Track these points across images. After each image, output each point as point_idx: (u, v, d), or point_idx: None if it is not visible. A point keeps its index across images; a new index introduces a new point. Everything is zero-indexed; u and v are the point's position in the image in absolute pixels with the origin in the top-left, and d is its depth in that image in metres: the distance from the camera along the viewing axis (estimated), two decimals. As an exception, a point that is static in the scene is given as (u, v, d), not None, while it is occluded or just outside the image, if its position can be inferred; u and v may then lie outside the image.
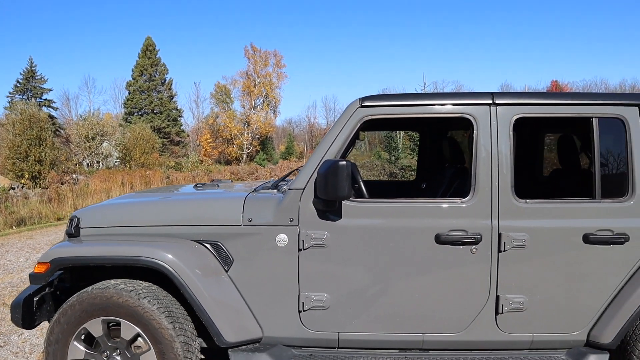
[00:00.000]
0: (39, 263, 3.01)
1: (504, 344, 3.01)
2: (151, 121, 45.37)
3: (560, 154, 3.99)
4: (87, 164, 35.26)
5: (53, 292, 3.20)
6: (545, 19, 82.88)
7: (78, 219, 3.20)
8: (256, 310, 2.99)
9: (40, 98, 45.92)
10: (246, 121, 50.86)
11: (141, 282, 2.99)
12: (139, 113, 47.94)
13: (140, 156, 32.35)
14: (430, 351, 3.03)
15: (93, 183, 18.84)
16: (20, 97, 45.29)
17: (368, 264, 2.93)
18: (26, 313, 3.00)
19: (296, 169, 3.29)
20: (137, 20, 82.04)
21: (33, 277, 3.05)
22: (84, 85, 71.86)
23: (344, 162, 2.70)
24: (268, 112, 52.22)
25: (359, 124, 2.99)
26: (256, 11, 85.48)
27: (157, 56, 48.75)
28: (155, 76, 48.42)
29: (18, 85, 46.46)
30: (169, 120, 48.66)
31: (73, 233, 3.17)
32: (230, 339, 2.91)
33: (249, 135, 50.67)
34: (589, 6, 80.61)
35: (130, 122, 42.71)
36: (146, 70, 47.96)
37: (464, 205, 2.92)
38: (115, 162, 35.73)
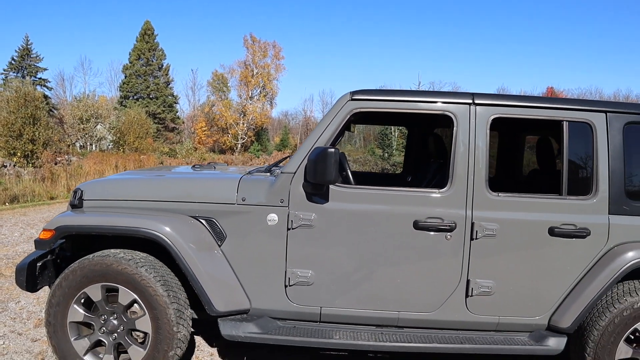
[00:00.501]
0: (44, 230, 3.23)
1: (472, 325, 3.27)
2: (146, 106, 45.33)
3: (537, 155, 4.25)
4: (80, 146, 35.24)
5: (54, 260, 3.41)
6: (544, 26, 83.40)
7: (82, 191, 3.42)
8: (245, 283, 3.22)
9: (35, 77, 45.74)
10: (242, 111, 50.90)
11: (139, 252, 3.22)
12: (135, 97, 47.89)
13: (134, 140, 32.34)
14: (404, 328, 3.28)
15: (87, 164, 18.93)
16: (15, 74, 45.08)
17: (350, 245, 3.17)
18: (29, 276, 3.22)
19: (288, 156, 3.51)
20: (136, 3, 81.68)
21: (38, 242, 3.26)
22: (80, 66, 71.67)
23: (332, 149, 2.94)
24: (265, 103, 52.30)
25: (348, 116, 3.23)
26: (257, 1, 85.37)
27: (155, 41, 48.67)
28: (152, 61, 48.36)
29: (13, 62, 46.24)
30: (164, 106, 48.66)
31: (77, 204, 3.39)
32: (220, 308, 3.14)
33: (245, 125, 50.74)
34: (587, 16, 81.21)
35: (125, 106, 42.66)
36: (144, 54, 47.89)
37: (441, 195, 3.17)
38: (109, 145, 35.73)
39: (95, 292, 3.12)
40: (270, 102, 53.46)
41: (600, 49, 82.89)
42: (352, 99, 3.23)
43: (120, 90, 49.13)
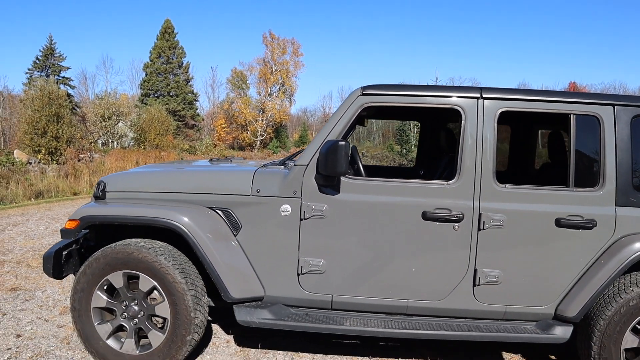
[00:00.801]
0: (69, 220, 3.40)
1: (480, 313, 3.35)
2: (167, 103, 45.91)
3: (549, 149, 4.30)
4: (102, 143, 35.87)
5: (79, 249, 3.58)
6: (566, 21, 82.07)
7: (104, 183, 3.59)
8: (259, 271, 3.35)
9: (59, 76, 46.53)
10: (261, 108, 51.19)
11: (159, 241, 3.37)
12: (155, 95, 48.50)
13: (155, 137, 32.83)
14: (413, 316, 3.38)
15: (108, 161, 19.30)
16: (39, 74, 45.95)
17: (361, 235, 3.28)
18: (56, 264, 3.39)
19: (302, 150, 3.64)
20: (157, 2, 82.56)
21: (64, 232, 3.43)
22: (102, 65, 72.79)
23: (343, 142, 3.05)
24: (283, 100, 52.49)
25: (359, 110, 3.33)
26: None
27: (175, 39, 49.19)
28: (172, 59, 48.89)
29: (37, 62, 47.11)
30: (184, 104, 49.18)
31: (100, 196, 3.56)
32: (235, 295, 3.28)
33: (264, 122, 51.03)
34: (611, 10, 79.64)
35: (146, 104, 43.26)
36: (164, 52, 48.43)
37: (449, 187, 3.26)
38: (130, 142, 36.30)
39: (117, 279, 3.28)
40: (289, 98, 53.66)
41: (624, 43, 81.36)
42: (363, 94, 3.33)
43: (141, 88, 49.77)
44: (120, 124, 36.44)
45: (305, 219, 3.28)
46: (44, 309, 4.51)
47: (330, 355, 3.80)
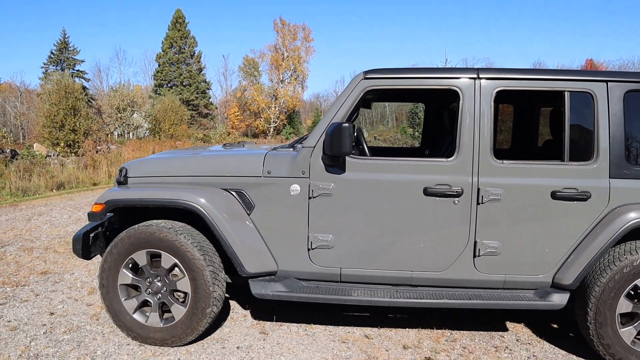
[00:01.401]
0: (95, 203, 3.66)
1: (481, 283, 3.55)
2: (180, 93, 46.29)
3: (550, 126, 4.44)
4: (118, 135, 36.37)
5: (104, 232, 3.84)
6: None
7: (126, 169, 3.83)
8: (272, 247, 3.58)
9: (73, 69, 47.13)
10: (274, 95, 51.39)
11: (178, 222, 3.61)
12: (169, 85, 48.90)
13: (170, 127, 33.23)
14: (417, 287, 3.59)
15: (125, 152, 19.70)
16: (54, 68, 46.61)
17: (366, 211, 3.49)
18: (84, 246, 3.65)
19: (309, 133, 3.84)
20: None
21: (91, 215, 3.69)
22: (115, 57, 73.16)
23: (347, 124, 3.24)
24: (296, 86, 52.64)
25: (362, 94, 3.51)
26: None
27: (186, 29, 49.43)
28: (184, 49, 49.18)
29: (52, 56, 47.75)
30: (197, 93, 49.54)
31: (122, 181, 3.80)
32: (250, 270, 3.51)
33: (277, 109, 51.24)
34: (627, -19, 77.93)
35: (159, 94, 43.66)
36: (176, 42, 48.73)
37: (449, 163, 3.44)
38: (145, 132, 36.76)
39: (141, 257, 3.54)
40: (302, 84, 53.77)
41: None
42: (365, 78, 3.52)
43: (154, 78, 50.22)
44: (135, 115, 36.89)
45: (313, 198, 3.49)
46: (73, 290, 4.80)
47: (341, 327, 4.03)
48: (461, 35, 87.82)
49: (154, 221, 3.58)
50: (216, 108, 54.60)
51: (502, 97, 3.93)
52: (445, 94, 4.02)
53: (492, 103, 3.45)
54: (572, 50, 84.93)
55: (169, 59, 48.62)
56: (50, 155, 20.39)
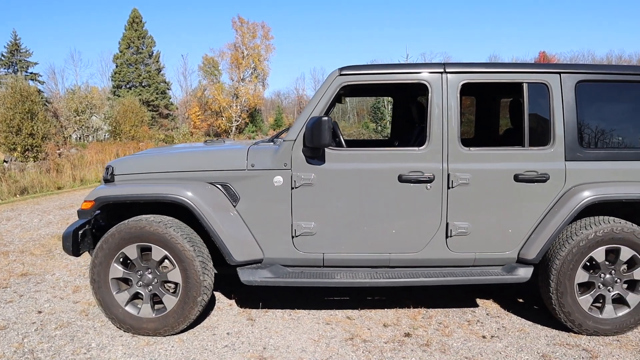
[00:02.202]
0: (85, 201, 3.77)
1: (453, 261, 3.84)
2: (139, 94, 45.51)
3: (510, 115, 4.77)
4: (76, 138, 35.52)
5: (91, 229, 3.96)
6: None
7: (113, 167, 3.96)
8: (258, 236, 3.78)
9: (26, 72, 45.76)
10: (235, 93, 51.12)
11: (166, 216, 3.77)
12: (127, 86, 48.00)
13: (130, 129, 32.71)
14: (395, 268, 3.85)
15: (88, 154, 19.39)
16: (6, 71, 45.12)
17: (346, 198, 3.72)
18: (74, 243, 3.76)
19: (287, 128, 4.04)
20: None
21: (81, 212, 3.80)
22: (70, 59, 71.32)
23: (326, 118, 3.47)
24: (257, 85, 52.45)
25: (338, 89, 3.74)
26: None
27: (143, 28, 48.57)
28: (142, 49, 48.34)
29: (2, 58, 46.20)
30: (157, 93, 48.79)
31: (109, 179, 3.93)
32: (238, 258, 3.70)
33: (238, 107, 50.99)
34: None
35: (118, 96, 42.87)
36: (133, 43, 47.84)
37: (421, 152, 3.71)
38: (105, 135, 36.03)
39: (131, 251, 3.67)
40: (262, 82, 53.63)
41: (592, 11, 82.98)
42: (341, 74, 3.75)
43: (112, 80, 49.16)
44: (93, 118, 36.11)
45: (295, 188, 3.70)
46: (56, 289, 4.87)
47: (323, 310, 4.26)
48: (419, 31, 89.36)
49: (143, 216, 3.72)
50: (177, 108, 53.89)
51: (465, 90, 4.22)
52: (413, 87, 4.29)
53: (458, 95, 3.73)
54: (525, 44, 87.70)
55: (127, 60, 47.71)
56: (7, 162, 19.88)
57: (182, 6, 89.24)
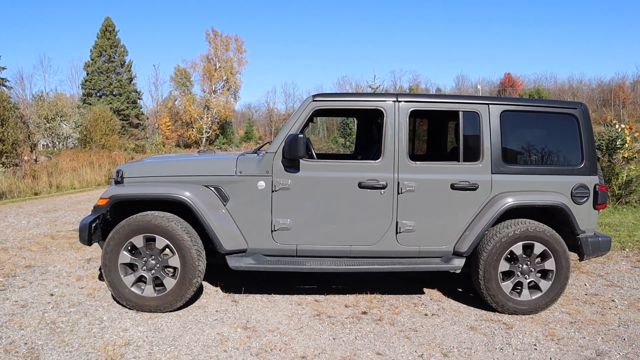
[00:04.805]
0: (101, 198, 4.53)
1: (402, 253, 4.73)
2: (110, 103, 45.61)
3: (454, 136, 5.74)
4: (43, 145, 35.35)
5: (100, 223, 4.70)
6: (502, 15, 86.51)
7: (122, 171, 4.73)
8: (243, 230, 4.60)
9: (-6, 77, 45.25)
10: (206, 105, 51.66)
11: (168, 212, 4.56)
12: (98, 94, 48.03)
13: (101, 138, 32.91)
14: (355, 258, 4.72)
15: (63, 161, 19.75)
16: (-28, 75, 44.48)
17: (316, 200, 4.59)
18: (88, 233, 4.50)
19: (268, 142, 4.90)
20: (95, 0, 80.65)
21: (96, 207, 4.56)
22: (39, 64, 70.51)
23: (301, 135, 4.35)
24: (228, 97, 53.14)
25: (311, 112, 4.63)
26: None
27: (116, 37, 48.83)
28: (114, 57, 48.53)
29: (-30, 63, 45.62)
30: (128, 103, 48.96)
31: (119, 181, 4.70)
32: (227, 248, 4.51)
33: (209, 119, 51.53)
34: (543, 5, 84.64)
35: (88, 104, 42.88)
36: (105, 51, 48.02)
37: (377, 164, 4.61)
38: (75, 143, 36.01)
39: (138, 241, 4.44)
40: (234, 95, 54.39)
41: (556, 37, 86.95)
42: (314, 100, 4.64)
43: (82, 87, 49.08)
44: (63, 125, 36.06)
45: (275, 191, 4.55)
46: (61, 278, 5.57)
47: (295, 295, 5.10)
48: (389, 49, 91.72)
49: (149, 212, 4.50)
50: (147, 118, 54.08)
51: (419, 114, 5.11)
52: (373, 112, 5.21)
53: (407, 119, 4.66)
54: (492, 65, 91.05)
55: (98, 68, 47.82)
56: (-24, 167, 19.99)
57: (155, 16, 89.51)
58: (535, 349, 3.97)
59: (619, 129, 11.34)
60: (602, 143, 11.54)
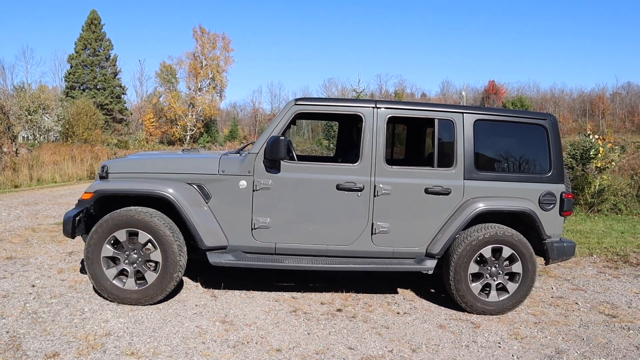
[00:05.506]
0: (85, 192, 4.65)
1: (377, 254, 4.91)
2: (94, 97, 45.27)
3: (431, 142, 5.95)
4: (23, 138, 34.92)
5: (83, 217, 4.81)
6: (487, 24, 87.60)
7: (107, 166, 4.85)
8: (224, 227, 4.74)
9: (-26, 67, 44.67)
10: (191, 103, 51.48)
11: (151, 208, 4.69)
12: (81, 88, 47.62)
13: (83, 132, 32.67)
14: (331, 257, 4.90)
15: (45, 155, 19.63)
16: (-47, 64, 43.84)
17: (295, 201, 4.75)
18: (72, 226, 4.61)
19: (251, 142, 5.06)
20: (79, -8, 79.77)
21: (81, 201, 4.68)
22: (21, 55, 69.55)
23: (283, 137, 4.51)
24: (213, 95, 53.04)
25: (293, 116, 4.79)
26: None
27: (102, 31, 48.49)
28: (99, 51, 48.16)
29: (-49, 52, 44.91)
30: (112, 97, 48.62)
31: (104, 176, 4.81)
32: (208, 244, 4.65)
33: (193, 116, 51.36)
34: (529, 14, 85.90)
35: (71, 97, 42.49)
36: (90, 44, 47.64)
37: (354, 167, 4.80)
38: (56, 136, 35.65)
39: (121, 235, 4.57)
40: (220, 93, 54.26)
41: (540, 46, 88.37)
42: (296, 104, 4.80)
43: (65, 80, 48.64)
44: (45, 118, 35.68)
45: (256, 190, 4.71)
46: (42, 270, 5.66)
47: (273, 292, 5.26)
48: (375, 54, 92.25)
49: (132, 207, 4.63)
50: (131, 114, 53.70)
51: (398, 120, 5.27)
52: (353, 117, 5.39)
53: (385, 125, 4.85)
54: (477, 72, 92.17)
55: (83, 61, 47.42)
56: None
57: (142, 11, 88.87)
58: (499, 347, 4.18)
59: (593, 140, 11.70)
60: (576, 153, 11.91)
